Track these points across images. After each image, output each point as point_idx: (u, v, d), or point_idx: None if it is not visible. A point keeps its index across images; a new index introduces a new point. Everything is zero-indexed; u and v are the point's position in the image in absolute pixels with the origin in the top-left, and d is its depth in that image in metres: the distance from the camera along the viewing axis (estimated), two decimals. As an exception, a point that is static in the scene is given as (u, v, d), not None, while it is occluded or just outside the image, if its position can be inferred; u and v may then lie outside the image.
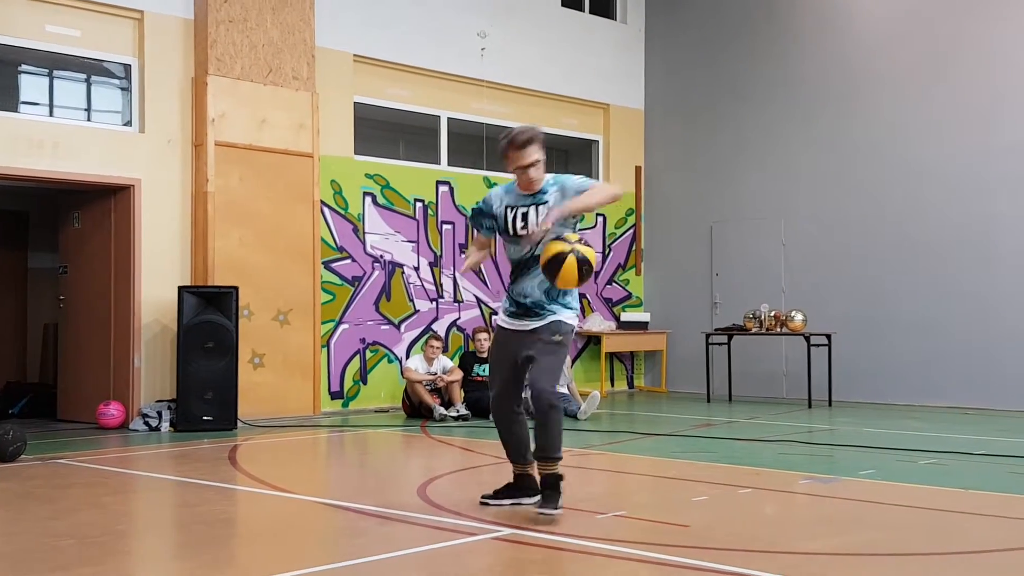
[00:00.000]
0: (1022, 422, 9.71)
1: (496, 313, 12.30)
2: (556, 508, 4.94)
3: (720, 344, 12.33)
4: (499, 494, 5.33)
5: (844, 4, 12.36)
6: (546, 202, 5.02)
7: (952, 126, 11.35)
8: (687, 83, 13.78)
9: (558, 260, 4.84)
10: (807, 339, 11.44)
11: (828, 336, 11.44)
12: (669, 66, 13.98)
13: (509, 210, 5.09)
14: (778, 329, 11.67)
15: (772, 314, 11.70)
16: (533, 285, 5.08)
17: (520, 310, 5.12)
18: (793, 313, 11.55)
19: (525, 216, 5.04)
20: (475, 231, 5.37)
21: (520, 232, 5.04)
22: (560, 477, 5.03)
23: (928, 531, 4.95)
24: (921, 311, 11.48)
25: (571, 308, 5.19)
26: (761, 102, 12.96)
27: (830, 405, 11.40)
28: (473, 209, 5.32)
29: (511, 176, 5.26)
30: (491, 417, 5.37)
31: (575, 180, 5.16)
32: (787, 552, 4.46)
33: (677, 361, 13.64)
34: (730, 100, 13.27)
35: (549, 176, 5.14)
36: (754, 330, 11.80)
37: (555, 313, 5.09)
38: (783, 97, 12.76)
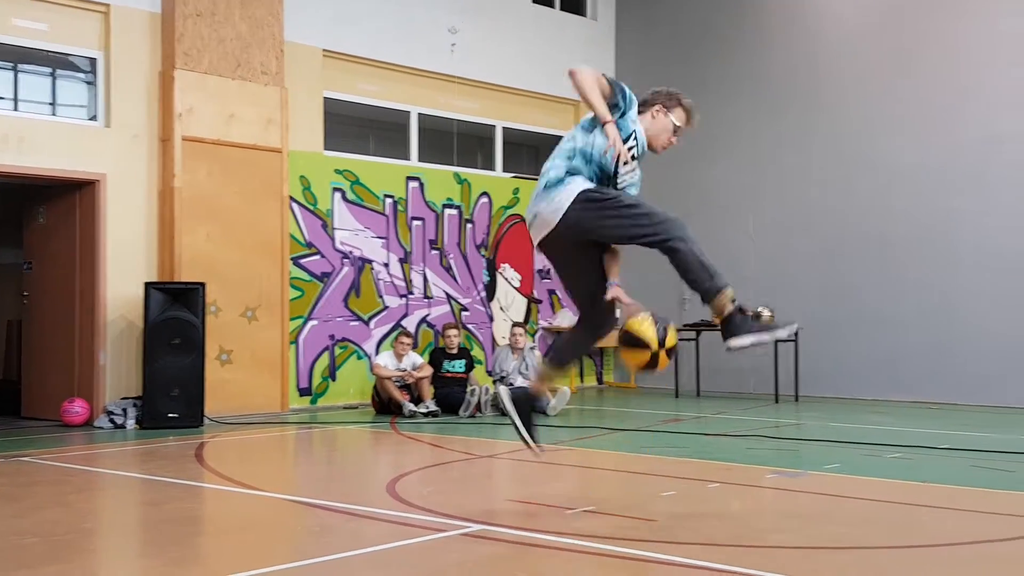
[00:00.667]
0: (984, 416, 9.85)
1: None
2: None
3: (688, 340, 12.39)
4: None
5: (812, 1, 12.45)
6: (640, 155, 4.94)
7: (916, 123, 11.47)
8: (657, 79, 13.63)
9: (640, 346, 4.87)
10: (775, 335, 11.51)
11: (795, 331, 11.52)
12: (639, 62, 14.02)
13: (634, 136, 4.84)
14: (746, 325, 11.73)
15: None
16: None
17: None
18: (761, 309, 11.59)
19: (625, 163, 4.83)
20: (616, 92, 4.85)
21: (618, 167, 4.81)
22: (738, 310, 4.69)
23: (893, 525, 5.00)
24: (886, 307, 11.60)
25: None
26: (730, 98, 13.03)
27: (797, 400, 11.50)
28: (628, 95, 4.91)
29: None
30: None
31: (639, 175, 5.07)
32: (754, 546, 4.49)
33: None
34: (699, 96, 13.17)
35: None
36: (722, 326, 11.86)
37: None
38: (752, 93, 12.84)
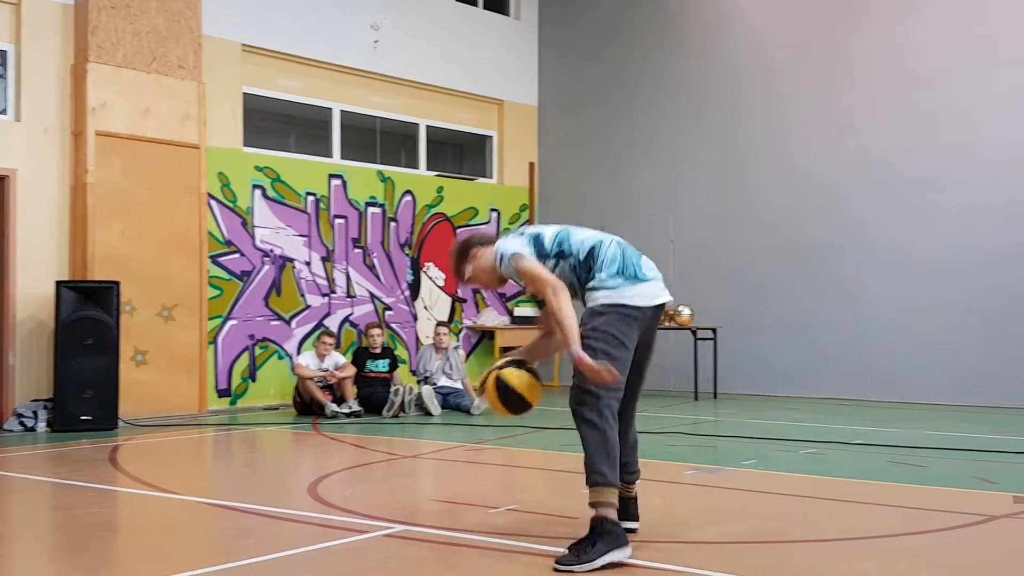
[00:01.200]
0: (895, 412, 10.14)
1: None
2: (580, 563, 3.98)
3: (611, 339, 12.48)
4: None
5: (731, 8, 12.67)
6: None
7: (831, 130, 11.76)
8: (580, 80, 13.93)
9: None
10: (694, 333, 11.71)
11: (714, 330, 11.74)
12: (562, 63, 14.11)
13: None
14: (666, 323, 11.91)
15: (661, 309, 11.93)
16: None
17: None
18: (680, 308, 11.81)
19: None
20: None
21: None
22: (601, 519, 4.13)
23: (808, 519, 5.12)
24: (801, 308, 11.88)
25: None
26: (652, 101, 13.19)
27: (715, 397, 11.70)
28: (533, 242, 4.68)
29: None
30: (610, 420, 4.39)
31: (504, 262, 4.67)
32: (674, 541, 4.55)
33: (568, 356, 13.75)
34: (622, 97, 13.48)
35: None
36: (644, 325, 12.00)
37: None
38: (673, 96, 13.01)
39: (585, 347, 4.32)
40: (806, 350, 11.81)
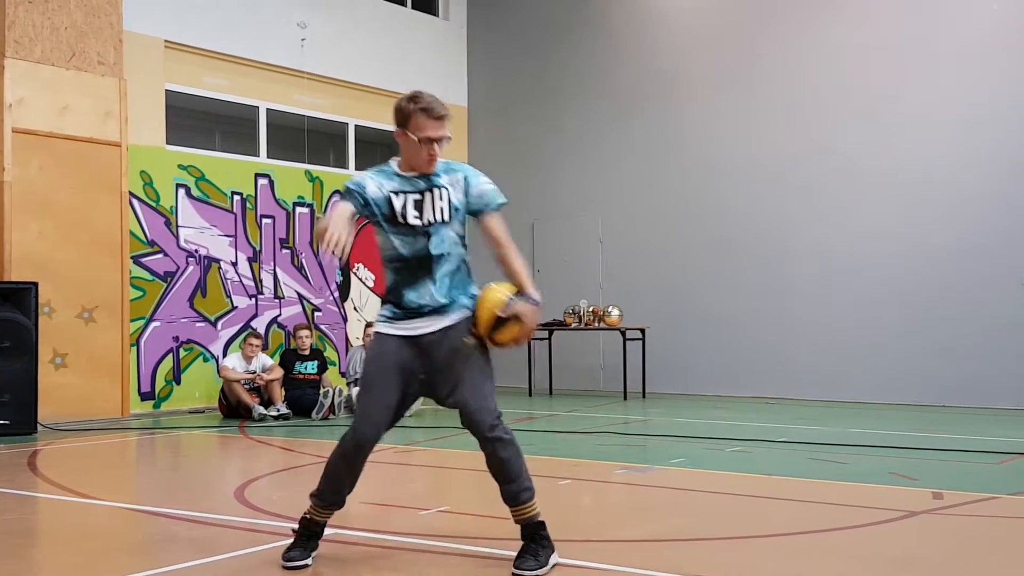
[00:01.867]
0: (817, 410, 10.37)
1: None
2: (543, 566, 3.95)
3: (541, 339, 12.56)
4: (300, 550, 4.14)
5: (655, 10, 12.82)
6: (442, 186, 4.05)
7: (751, 130, 11.99)
8: (508, 81, 13.96)
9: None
10: (623, 334, 11.82)
11: (642, 331, 11.87)
12: (491, 64, 14.13)
13: (396, 195, 4.01)
14: (596, 324, 12.01)
15: (590, 309, 12.02)
16: (433, 289, 4.05)
17: (410, 315, 4.06)
18: (610, 308, 11.91)
19: (419, 204, 4.01)
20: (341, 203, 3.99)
21: (413, 221, 3.99)
22: (542, 523, 4.05)
23: (735, 516, 5.20)
24: (726, 307, 12.07)
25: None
26: (580, 102, 13.28)
27: (644, 397, 11.83)
28: (346, 187, 4.04)
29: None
30: (350, 447, 4.13)
31: (482, 179, 4.22)
32: (604, 540, 4.59)
33: (500, 356, 13.63)
34: (550, 99, 13.54)
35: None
36: (573, 325, 12.09)
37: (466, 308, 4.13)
38: (601, 96, 13.12)
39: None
40: (731, 349, 12.01)
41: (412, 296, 4.05)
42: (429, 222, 4.04)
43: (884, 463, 6.81)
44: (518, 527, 4.12)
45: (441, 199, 4.06)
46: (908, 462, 6.83)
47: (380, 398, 4.07)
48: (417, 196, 4.05)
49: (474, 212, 4.19)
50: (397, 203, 4.02)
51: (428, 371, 4.07)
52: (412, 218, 4.02)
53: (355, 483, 4.22)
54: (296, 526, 4.23)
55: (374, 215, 4.03)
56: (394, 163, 4.13)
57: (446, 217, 4.07)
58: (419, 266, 4.05)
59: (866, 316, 11.17)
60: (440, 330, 4.06)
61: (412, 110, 4.02)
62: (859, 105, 11.30)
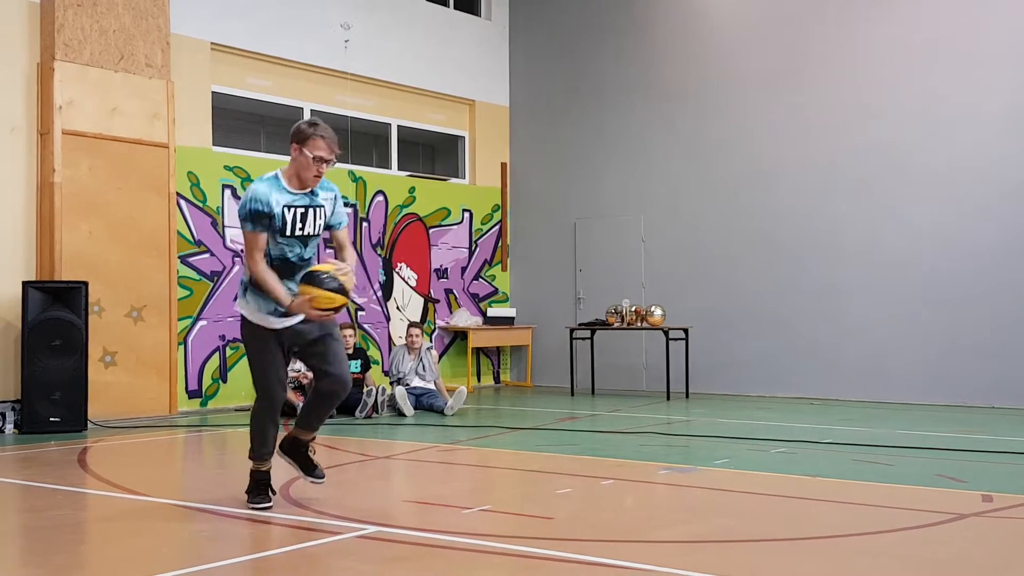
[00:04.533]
0: (862, 411, 10.24)
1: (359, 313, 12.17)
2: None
3: (583, 339, 12.55)
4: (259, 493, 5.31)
5: (701, 8, 12.74)
6: (322, 205, 5.03)
7: (798, 130, 11.86)
8: (551, 80, 13.95)
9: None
10: (666, 333, 11.77)
11: (685, 330, 11.80)
12: (533, 63, 14.13)
13: (287, 209, 4.94)
14: (638, 324, 11.96)
15: (633, 309, 11.98)
16: (290, 286, 5.02)
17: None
18: (653, 308, 11.86)
19: (304, 216, 4.97)
20: (254, 233, 4.90)
21: (298, 232, 4.96)
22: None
23: (779, 517, 5.16)
24: (771, 307, 11.97)
25: None
26: (623, 101, 13.24)
27: (687, 397, 11.76)
28: (253, 210, 4.87)
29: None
30: (263, 413, 5.20)
31: (341, 202, 5.26)
32: (647, 541, 4.57)
33: (542, 356, 13.82)
34: (593, 98, 13.51)
35: None
36: (616, 325, 12.06)
37: None
38: (644, 96, 13.07)
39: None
40: (777, 349, 11.90)
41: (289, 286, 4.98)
42: (309, 234, 5.00)
43: (931, 465, 6.71)
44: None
45: (320, 216, 5.03)
46: (956, 464, 6.73)
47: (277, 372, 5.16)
48: (303, 210, 4.97)
49: (328, 226, 5.13)
50: (288, 216, 4.92)
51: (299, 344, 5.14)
52: (298, 230, 4.96)
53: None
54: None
55: (269, 227, 4.89)
56: (282, 177, 5.00)
57: (320, 230, 5.05)
58: (289, 268, 5.00)
59: (913, 315, 11.02)
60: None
61: (311, 133, 4.99)
62: (907, 102, 11.14)
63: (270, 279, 4.91)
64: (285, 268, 5.00)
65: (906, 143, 11.11)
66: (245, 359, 9.86)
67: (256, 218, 4.86)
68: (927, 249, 10.94)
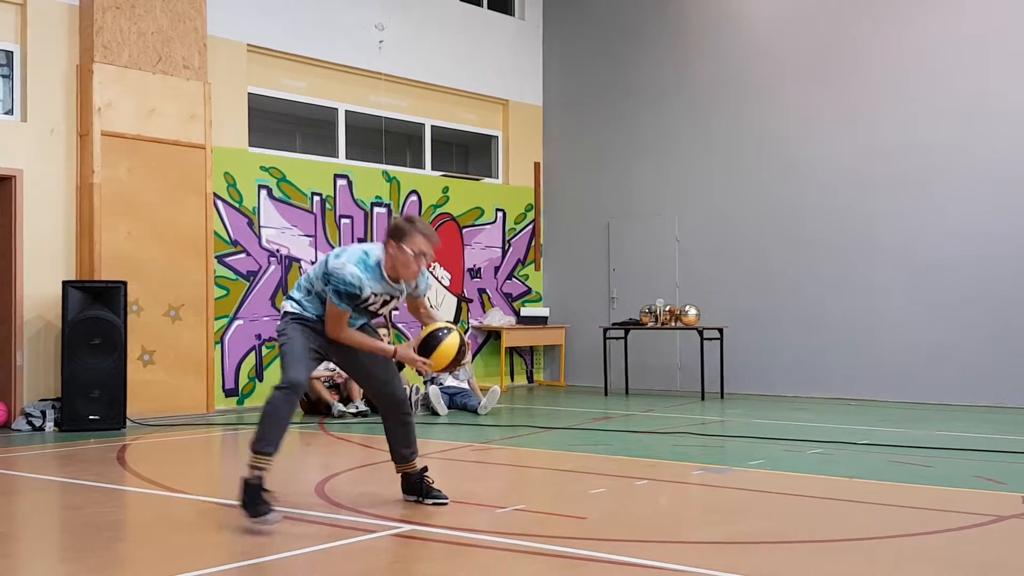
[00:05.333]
0: (900, 412, 10.13)
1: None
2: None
3: (617, 338, 12.51)
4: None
5: (734, 6, 12.66)
6: (402, 292, 5.15)
7: (833, 128, 11.75)
8: (584, 80, 13.93)
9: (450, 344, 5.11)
10: (700, 333, 11.70)
11: (720, 330, 11.73)
12: (567, 63, 14.11)
13: (375, 296, 5.04)
14: (672, 323, 11.91)
15: (667, 309, 11.93)
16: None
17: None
18: (687, 307, 11.80)
19: (385, 303, 5.11)
20: (342, 309, 4.95)
21: (370, 310, 5.11)
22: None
23: (815, 519, 5.12)
24: (807, 305, 11.87)
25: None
26: (656, 100, 13.19)
27: (722, 397, 11.69)
28: (348, 292, 4.91)
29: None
30: (286, 399, 4.98)
31: (427, 279, 5.31)
32: (681, 542, 4.56)
33: (575, 355, 13.80)
34: (626, 98, 13.47)
35: None
36: (649, 324, 12.01)
37: None
38: (677, 96, 13.01)
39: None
40: (812, 349, 11.80)
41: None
42: (377, 314, 5.19)
43: (970, 467, 6.63)
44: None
45: (394, 302, 5.18)
46: (995, 466, 6.64)
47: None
48: (387, 299, 5.10)
49: (410, 295, 5.25)
50: (371, 301, 5.03)
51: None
52: (371, 309, 5.10)
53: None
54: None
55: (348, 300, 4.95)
56: (384, 268, 4.99)
57: (389, 313, 5.32)
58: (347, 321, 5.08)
59: (951, 315, 10.88)
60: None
61: (410, 229, 4.94)
62: (944, 100, 11.00)
63: (366, 340, 5.12)
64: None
65: (947, 140, 10.97)
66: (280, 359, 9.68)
67: (349, 299, 4.93)
68: (966, 248, 10.80)
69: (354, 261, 4.93)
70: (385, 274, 4.99)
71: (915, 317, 11.11)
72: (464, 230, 13.22)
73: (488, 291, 13.51)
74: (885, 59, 11.44)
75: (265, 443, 4.88)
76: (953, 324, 10.86)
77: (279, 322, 5.21)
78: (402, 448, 5.29)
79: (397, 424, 5.29)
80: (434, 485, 5.31)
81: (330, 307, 4.96)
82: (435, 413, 10.03)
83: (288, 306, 5.17)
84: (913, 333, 11.11)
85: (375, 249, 5.03)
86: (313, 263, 11.52)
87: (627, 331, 12.39)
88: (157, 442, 8.29)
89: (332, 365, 10.23)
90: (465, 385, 10.64)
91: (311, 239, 11.50)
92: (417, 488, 5.29)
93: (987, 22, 10.81)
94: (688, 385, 12.50)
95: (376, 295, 5.01)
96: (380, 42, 12.25)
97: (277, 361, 11.05)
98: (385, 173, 12.34)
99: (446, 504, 5.21)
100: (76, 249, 9.60)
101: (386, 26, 12.31)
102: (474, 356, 12.90)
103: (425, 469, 5.34)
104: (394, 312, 12.31)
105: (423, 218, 5.17)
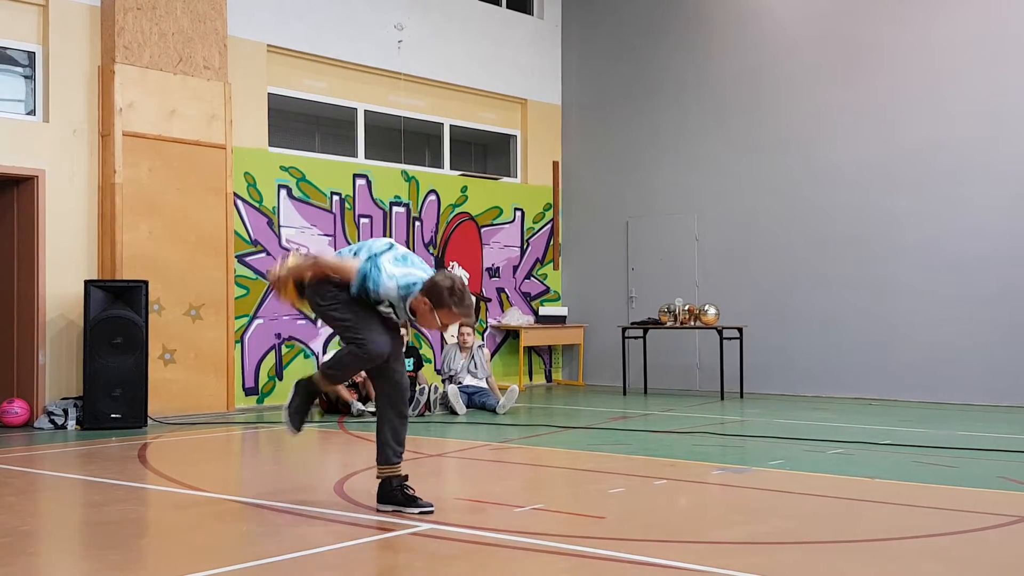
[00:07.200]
0: (922, 412, 10.06)
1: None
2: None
3: (636, 338, 12.48)
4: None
5: (755, 3, 12.61)
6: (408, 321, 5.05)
7: (856, 126, 11.67)
8: (603, 79, 13.91)
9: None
10: (719, 332, 11.66)
11: (740, 329, 11.68)
12: (585, 62, 14.09)
13: (387, 305, 4.93)
14: (692, 323, 11.87)
15: (686, 308, 11.89)
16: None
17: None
18: (706, 307, 11.76)
19: (393, 315, 5.01)
20: (357, 278, 4.88)
21: (399, 324, 5.09)
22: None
23: (835, 519, 5.09)
24: (827, 305, 11.80)
25: None
26: (675, 99, 13.15)
27: (742, 397, 11.64)
28: (366, 288, 4.87)
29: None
30: (355, 356, 4.94)
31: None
32: (700, 542, 4.54)
33: (594, 354, 13.78)
34: (645, 97, 13.44)
35: None
36: (668, 324, 11.98)
37: None
38: (697, 94, 12.97)
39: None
40: (833, 349, 11.73)
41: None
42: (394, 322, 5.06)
43: (993, 467, 6.57)
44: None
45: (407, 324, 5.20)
46: (1018, 466, 6.58)
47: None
48: (394, 317, 4.99)
49: None
50: (384, 308, 4.94)
51: None
52: (382, 311, 4.96)
53: None
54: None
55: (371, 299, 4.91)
56: (408, 306, 4.85)
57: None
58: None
59: (974, 315, 10.79)
60: None
61: (449, 304, 4.80)
62: (968, 99, 10.92)
63: (334, 260, 5.07)
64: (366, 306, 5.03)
65: (969, 139, 10.89)
66: (300, 357, 10.00)
67: (363, 288, 4.86)
68: (990, 246, 10.71)
69: (401, 283, 4.83)
70: (408, 309, 4.87)
71: (937, 316, 11.03)
72: (483, 229, 13.22)
73: (507, 290, 13.51)
74: (909, 56, 11.36)
75: (329, 371, 5.12)
76: (976, 323, 10.77)
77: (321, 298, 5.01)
78: (395, 445, 5.08)
79: (398, 416, 5.10)
80: (415, 493, 5.08)
81: (352, 262, 4.91)
82: (454, 412, 10.04)
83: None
84: (935, 332, 11.03)
85: (415, 277, 4.86)
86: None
87: (646, 330, 12.36)
88: (178, 440, 8.34)
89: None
90: (484, 384, 10.65)
91: (330, 239, 11.53)
92: (398, 497, 5.03)
93: (1012, 19, 10.71)
94: (707, 385, 12.46)
95: (390, 306, 4.92)
96: (399, 42, 12.27)
97: (297, 360, 11.17)
98: (404, 173, 12.36)
99: (432, 512, 4.95)
100: (98, 249, 9.67)
101: (405, 26, 12.33)
102: (493, 355, 12.90)
103: (406, 477, 5.12)
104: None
105: (457, 279, 4.90)
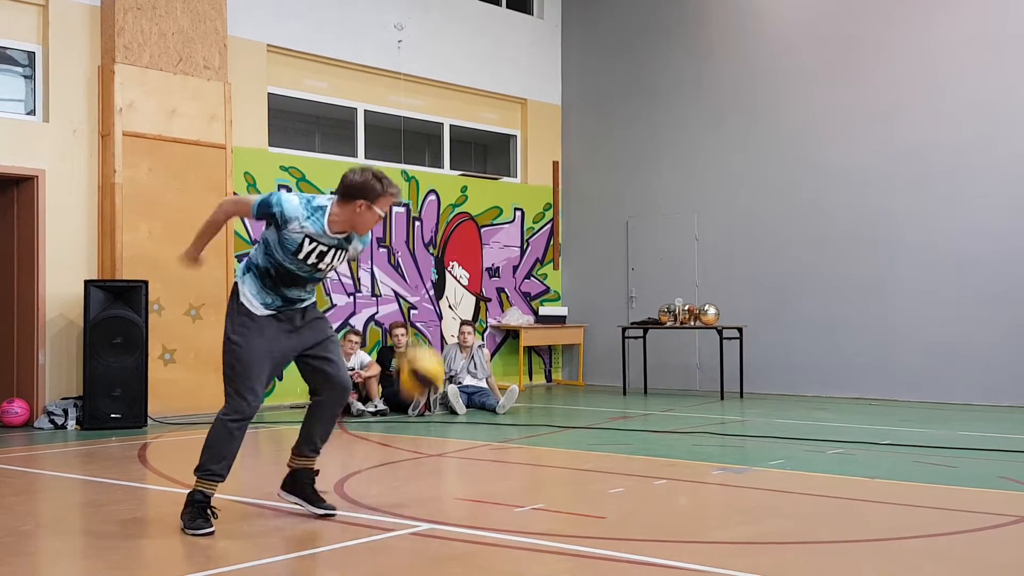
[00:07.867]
0: (922, 412, 10.06)
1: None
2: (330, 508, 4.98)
3: (636, 338, 12.48)
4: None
5: (754, 5, 12.61)
6: (347, 248, 4.80)
7: (855, 126, 11.67)
8: (603, 79, 13.91)
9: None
10: (719, 332, 11.66)
11: (740, 329, 11.68)
12: (585, 62, 14.09)
13: (308, 240, 4.65)
14: (691, 323, 11.87)
15: (686, 308, 11.89)
16: (303, 289, 4.86)
17: (286, 304, 4.85)
18: (706, 307, 11.76)
19: (322, 255, 4.70)
20: (254, 214, 4.69)
21: (309, 263, 4.69)
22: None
23: (836, 519, 5.09)
24: (827, 306, 11.80)
25: None
26: (675, 99, 13.15)
27: (742, 397, 11.65)
28: (270, 213, 4.63)
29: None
30: (229, 423, 4.96)
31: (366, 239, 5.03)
32: (700, 542, 4.54)
33: (594, 354, 13.79)
34: (645, 96, 13.44)
35: None
36: (668, 324, 11.98)
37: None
38: (696, 94, 12.97)
39: None
40: (833, 349, 11.73)
41: (292, 293, 4.81)
42: (319, 270, 4.76)
43: (993, 467, 6.57)
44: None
45: (337, 259, 4.79)
46: (1018, 466, 6.58)
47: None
48: (324, 249, 4.70)
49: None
50: (307, 247, 4.66)
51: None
52: (309, 263, 4.71)
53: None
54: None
55: (281, 242, 4.65)
56: (327, 221, 4.65)
57: (331, 271, 4.84)
58: (292, 279, 4.77)
59: (974, 315, 10.79)
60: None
61: (382, 191, 4.70)
62: (967, 99, 10.92)
63: (207, 221, 5.05)
64: (287, 277, 4.76)
65: (969, 139, 10.89)
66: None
67: (267, 217, 4.65)
68: (989, 246, 10.71)
69: (302, 199, 4.69)
70: (327, 226, 4.65)
71: (938, 316, 11.03)
72: (482, 229, 13.22)
73: (506, 290, 13.51)
74: (908, 56, 11.36)
75: (204, 467, 4.91)
76: (976, 323, 10.77)
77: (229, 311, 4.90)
78: (318, 439, 4.98)
79: (332, 410, 4.97)
80: (322, 492, 5.06)
81: (242, 198, 4.86)
82: (453, 412, 10.04)
83: (240, 283, 4.87)
84: (936, 332, 11.03)
85: (320, 198, 4.73)
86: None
87: (646, 330, 12.36)
88: (178, 440, 8.34)
89: (352, 364, 10.31)
90: (484, 384, 10.65)
91: (330, 238, 11.51)
92: (307, 491, 4.98)
93: (1012, 19, 10.71)
94: (707, 385, 12.46)
95: (311, 240, 4.63)
96: (399, 42, 12.27)
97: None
98: (404, 172, 12.36)
99: (334, 516, 4.91)
100: (98, 249, 9.67)
101: (405, 26, 12.33)
102: (492, 355, 12.90)
103: (317, 472, 5.06)
104: (412, 311, 12.35)
105: (363, 168, 4.88)
